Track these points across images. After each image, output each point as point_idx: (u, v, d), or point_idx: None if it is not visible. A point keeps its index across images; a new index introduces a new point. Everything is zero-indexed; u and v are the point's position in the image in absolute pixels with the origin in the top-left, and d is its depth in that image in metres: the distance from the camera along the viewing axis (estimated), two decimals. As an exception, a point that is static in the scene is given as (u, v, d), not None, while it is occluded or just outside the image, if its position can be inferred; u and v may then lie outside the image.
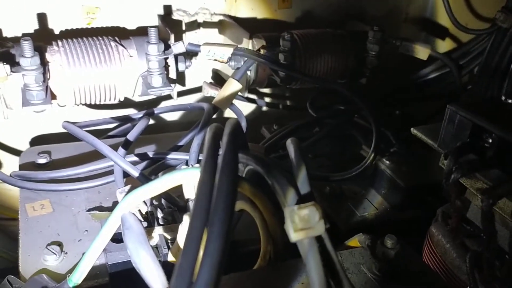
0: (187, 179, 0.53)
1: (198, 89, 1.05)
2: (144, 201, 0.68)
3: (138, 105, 1.02)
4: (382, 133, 0.88)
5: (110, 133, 0.92)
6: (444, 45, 1.14)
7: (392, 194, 0.82)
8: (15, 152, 0.96)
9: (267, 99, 1.07)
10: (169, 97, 1.01)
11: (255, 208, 0.56)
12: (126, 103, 1.00)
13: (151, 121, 1.01)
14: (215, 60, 0.84)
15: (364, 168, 0.80)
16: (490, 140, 0.48)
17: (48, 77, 0.79)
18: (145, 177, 0.71)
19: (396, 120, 0.99)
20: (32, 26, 0.88)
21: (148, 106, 0.98)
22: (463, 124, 0.52)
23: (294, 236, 0.43)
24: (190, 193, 0.70)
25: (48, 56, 0.80)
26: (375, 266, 0.57)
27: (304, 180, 0.47)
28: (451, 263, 0.60)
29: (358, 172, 0.81)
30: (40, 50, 0.78)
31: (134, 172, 0.71)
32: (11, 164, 0.91)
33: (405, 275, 0.56)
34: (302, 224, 0.43)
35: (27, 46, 0.73)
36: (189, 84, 1.05)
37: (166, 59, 0.85)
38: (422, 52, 0.97)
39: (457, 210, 0.55)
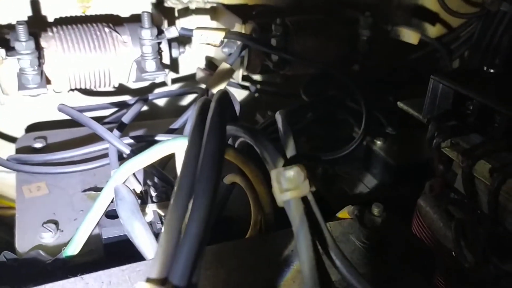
0: (177, 148, 0.54)
1: (192, 76, 1.06)
2: (138, 180, 0.70)
3: (132, 92, 1.03)
4: (374, 115, 0.89)
5: (105, 120, 0.93)
6: (435, 30, 1.15)
7: (384, 173, 0.83)
8: (12, 139, 0.97)
9: (261, 86, 1.08)
10: (163, 84, 1.02)
11: (245, 178, 0.57)
12: (121, 90, 1.02)
13: (146, 108, 1.03)
14: (208, 44, 0.85)
15: (355, 147, 0.82)
16: (471, 107, 0.50)
17: (43, 61, 0.80)
18: (135, 153, 0.72)
19: (388, 104, 1.00)
20: (27, 13, 0.89)
21: (142, 93, 0.99)
22: (445, 93, 0.53)
23: (280, 197, 0.44)
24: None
25: (42, 42, 0.82)
26: (363, 234, 0.58)
27: (291, 145, 0.49)
28: (438, 233, 0.62)
29: (349, 152, 0.82)
30: (35, 36, 0.79)
31: (127, 150, 0.72)
32: (8, 150, 0.92)
33: (392, 243, 0.57)
34: (288, 184, 0.44)
35: (22, 30, 0.74)
36: (183, 71, 1.07)
37: (159, 44, 0.87)
38: (412, 36, 0.99)
39: (440, 174, 0.56)
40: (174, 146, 0.53)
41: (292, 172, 0.44)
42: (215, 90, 0.91)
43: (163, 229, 0.38)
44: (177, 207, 0.39)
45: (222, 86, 0.92)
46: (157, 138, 0.82)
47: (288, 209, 0.45)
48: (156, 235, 0.60)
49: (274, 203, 0.59)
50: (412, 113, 0.59)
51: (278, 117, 0.54)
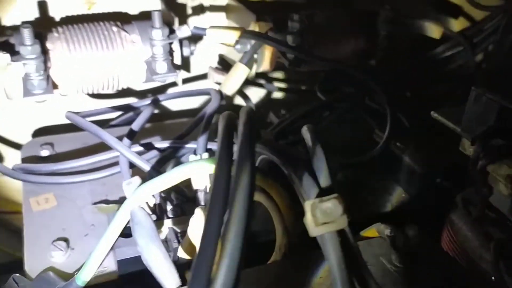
0: (198, 171, 0.50)
1: (204, 76, 1.01)
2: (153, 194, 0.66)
3: (142, 94, 0.99)
4: (395, 116, 0.85)
5: (113, 122, 0.89)
6: (458, 24, 1.10)
7: (407, 180, 0.79)
8: (17, 145, 0.93)
9: (275, 84, 1.04)
10: (174, 85, 0.98)
11: (270, 200, 0.54)
12: (130, 91, 0.97)
13: (156, 110, 0.99)
14: (222, 43, 0.80)
15: (378, 153, 0.78)
16: (520, 124, 0.46)
17: (49, 65, 0.76)
18: (156, 170, 0.68)
19: (408, 102, 0.96)
20: (32, 13, 0.85)
21: (152, 94, 0.95)
22: (489, 107, 0.49)
23: (315, 231, 0.41)
24: (199, 183, 0.67)
25: (48, 43, 0.77)
26: (395, 257, 0.54)
27: (324, 171, 0.45)
28: (473, 252, 0.58)
29: (372, 157, 0.78)
30: (40, 37, 0.75)
31: (143, 164, 0.68)
32: (13, 157, 0.89)
33: (426, 266, 0.54)
34: (324, 218, 0.40)
35: (27, 33, 0.70)
36: (195, 71, 1.02)
37: (170, 44, 0.82)
38: (435, 30, 0.94)
39: (483, 197, 0.52)
40: (196, 169, 0.49)
41: (330, 205, 0.40)
42: (228, 91, 0.87)
43: (191, 273, 0.34)
44: (207, 247, 0.35)
45: (236, 87, 0.88)
46: (168, 145, 0.78)
47: (323, 243, 0.41)
48: (173, 256, 0.57)
49: (299, 226, 0.56)
50: (449, 125, 0.55)
51: (306, 134, 0.49)
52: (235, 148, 0.40)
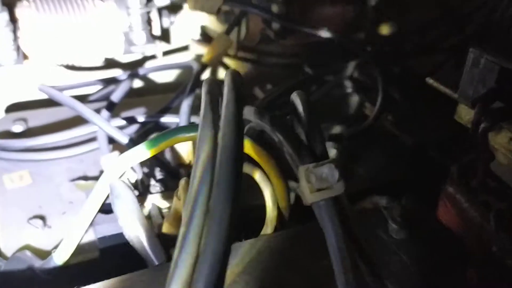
0: (180, 140, 0.47)
1: (185, 48, 0.97)
2: (133, 168, 0.62)
3: (121, 67, 0.94)
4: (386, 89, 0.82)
5: (92, 98, 0.85)
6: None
7: (398, 152, 0.77)
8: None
9: (260, 57, 1.00)
10: (153, 57, 0.94)
11: (259, 170, 0.50)
12: (109, 65, 0.92)
13: (137, 84, 0.94)
14: (203, 11, 0.76)
15: (369, 125, 0.75)
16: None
17: (18, 35, 0.71)
18: (135, 142, 0.64)
19: (398, 74, 0.93)
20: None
21: (132, 68, 0.90)
22: (489, 69, 0.47)
23: (310, 197, 0.38)
24: (183, 157, 0.64)
25: (17, 11, 0.72)
26: (392, 228, 0.52)
27: (318, 136, 0.41)
28: (472, 223, 0.56)
29: (362, 130, 0.76)
30: (9, 6, 0.70)
31: (121, 137, 0.64)
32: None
33: (423, 237, 0.52)
34: (320, 184, 0.38)
35: (-7, 0, 0.65)
36: (175, 43, 0.98)
37: (148, 13, 0.77)
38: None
39: (485, 164, 0.50)
40: (180, 138, 0.45)
41: (325, 170, 0.37)
42: (211, 63, 0.83)
43: (177, 244, 0.31)
44: (194, 218, 0.31)
45: (219, 59, 0.84)
46: (151, 119, 0.74)
47: (319, 210, 0.38)
48: (157, 233, 0.54)
49: (289, 197, 0.53)
50: (445, 91, 0.52)
51: (297, 99, 0.46)
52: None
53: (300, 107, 0.45)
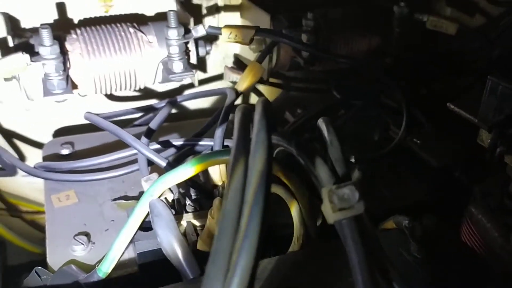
0: (214, 163, 0.51)
1: (220, 76, 1.03)
2: (170, 189, 0.67)
3: (160, 95, 1.00)
4: (411, 112, 0.85)
5: (134, 123, 0.91)
6: (474, 20, 1.09)
7: (424, 174, 0.79)
8: (38, 145, 0.95)
9: (290, 83, 1.04)
10: (191, 86, 0.99)
11: (287, 191, 0.54)
12: (148, 93, 0.99)
13: (174, 110, 1.00)
14: (237, 42, 0.81)
15: (394, 148, 0.77)
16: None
17: (68, 66, 0.78)
18: (171, 165, 0.69)
19: (423, 98, 0.95)
20: (51, 16, 0.87)
21: (170, 96, 0.96)
22: (506, 96, 0.49)
23: (332, 217, 0.41)
24: (217, 178, 0.68)
25: (67, 45, 0.79)
26: (414, 248, 0.54)
27: (340, 159, 0.45)
28: (493, 244, 0.57)
29: (388, 152, 0.78)
30: (59, 39, 0.77)
31: (159, 161, 0.69)
32: (35, 156, 0.90)
33: (445, 256, 0.54)
34: (341, 204, 0.40)
35: (46, 34, 0.72)
36: (211, 71, 1.03)
37: (186, 43, 0.83)
38: (450, 26, 0.93)
39: (502, 186, 0.52)
40: (213, 161, 0.49)
41: (347, 191, 0.41)
42: (244, 90, 0.88)
43: (209, 258, 0.35)
44: (226, 235, 0.35)
45: (251, 85, 0.88)
46: (186, 142, 0.79)
47: (341, 229, 0.41)
48: (192, 249, 0.58)
49: (316, 217, 0.56)
50: (466, 116, 0.55)
51: (322, 125, 0.50)
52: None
53: (325, 132, 0.49)
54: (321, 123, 0.50)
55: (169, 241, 0.50)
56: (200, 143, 0.80)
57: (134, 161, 0.77)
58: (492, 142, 0.48)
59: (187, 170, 0.50)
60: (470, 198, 0.65)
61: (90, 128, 0.90)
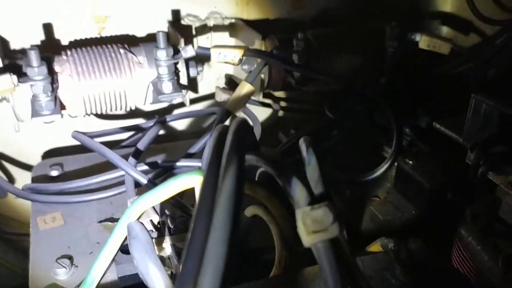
0: (194, 183, 0.50)
1: (211, 96, 1.02)
2: (156, 211, 0.66)
3: (149, 114, 1.00)
4: (404, 132, 0.84)
5: (122, 144, 0.90)
6: (468, 40, 1.09)
7: (416, 195, 0.77)
8: (28, 167, 0.95)
9: (283, 103, 1.04)
10: (181, 105, 0.99)
11: (268, 213, 0.53)
12: (138, 112, 0.99)
13: (163, 130, 0.99)
14: (227, 62, 0.81)
15: (386, 169, 0.76)
16: (521, 130, 0.44)
17: (56, 86, 0.78)
18: (154, 184, 0.68)
19: (417, 118, 0.94)
20: (40, 37, 0.87)
21: (160, 115, 0.96)
22: (490, 114, 0.48)
23: (307, 239, 0.39)
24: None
25: (56, 66, 0.79)
26: (400, 271, 0.53)
27: (317, 179, 0.44)
28: (483, 266, 0.56)
29: (380, 174, 0.77)
30: (48, 60, 0.77)
31: (143, 180, 0.69)
32: (24, 178, 0.90)
33: (432, 280, 0.52)
34: (315, 226, 0.39)
35: (33, 55, 0.72)
36: (202, 91, 1.03)
37: (176, 64, 0.83)
38: (443, 46, 0.93)
39: (486, 207, 0.50)
40: (193, 180, 0.48)
41: (320, 213, 0.39)
42: (234, 110, 0.87)
43: (176, 281, 0.34)
44: (191, 258, 0.34)
45: (242, 105, 0.88)
46: (174, 164, 0.78)
47: (316, 252, 0.40)
48: (173, 275, 0.57)
49: (300, 242, 0.55)
50: (450, 135, 0.54)
51: (302, 145, 0.49)
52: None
53: (304, 152, 0.48)
54: (301, 143, 0.49)
55: (145, 264, 0.49)
56: (189, 164, 0.79)
57: (122, 183, 0.76)
58: (474, 161, 0.47)
59: (164, 191, 0.49)
60: (461, 220, 0.63)
61: (80, 149, 0.89)
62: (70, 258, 0.65)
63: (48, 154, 0.95)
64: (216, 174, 0.39)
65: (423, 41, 0.94)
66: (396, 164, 0.81)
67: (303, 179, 0.45)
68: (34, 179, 0.82)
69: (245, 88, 0.84)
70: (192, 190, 0.58)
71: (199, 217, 0.36)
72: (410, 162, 0.79)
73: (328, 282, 0.39)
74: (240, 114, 0.89)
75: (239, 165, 0.39)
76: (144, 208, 0.51)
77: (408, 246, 0.53)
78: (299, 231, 0.41)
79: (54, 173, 0.82)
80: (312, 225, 0.39)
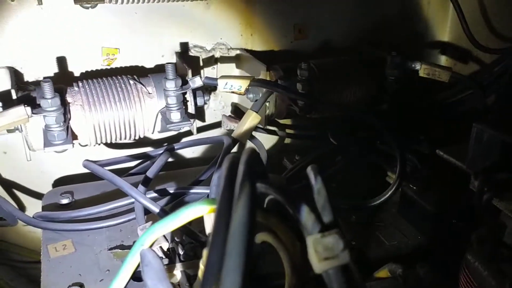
0: (205, 211, 0.51)
1: (218, 124, 1.05)
2: (166, 238, 0.67)
3: (158, 143, 1.02)
4: (407, 158, 0.85)
5: (131, 171, 0.92)
6: (467, 68, 1.12)
7: (420, 220, 0.79)
8: (38, 195, 0.96)
9: (288, 130, 1.06)
10: (189, 133, 1.01)
11: (277, 240, 0.54)
12: (147, 140, 1.01)
13: (172, 158, 1.01)
14: (233, 92, 0.83)
15: (390, 195, 0.78)
16: (522, 158, 0.46)
17: (69, 117, 0.80)
18: (165, 213, 0.70)
19: (421, 145, 0.96)
20: (53, 69, 0.90)
21: (168, 143, 0.98)
22: (491, 143, 0.50)
23: (318, 266, 0.41)
24: (211, 227, 0.68)
25: (68, 97, 0.82)
26: (408, 297, 0.54)
27: (326, 207, 0.45)
28: (490, 291, 0.57)
29: (384, 199, 0.78)
30: (61, 91, 0.80)
31: (154, 208, 0.70)
32: (35, 206, 0.91)
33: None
34: (326, 253, 0.41)
35: (47, 87, 0.74)
36: (209, 119, 1.06)
37: (184, 94, 0.86)
38: (443, 74, 0.95)
39: (493, 233, 0.52)
40: (204, 209, 0.50)
41: (331, 240, 0.41)
42: (241, 138, 0.89)
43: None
44: (208, 285, 0.36)
45: (248, 133, 0.90)
46: (182, 190, 0.80)
47: (327, 278, 0.41)
48: (185, 300, 0.58)
49: (309, 266, 0.56)
50: (454, 163, 0.55)
51: (310, 173, 0.51)
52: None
53: (312, 180, 0.49)
54: (309, 171, 0.51)
55: (158, 291, 0.50)
56: (197, 191, 0.80)
57: (131, 210, 0.77)
58: (478, 188, 0.49)
59: (177, 219, 0.50)
60: (467, 245, 0.64)
61: (89, 177, 0.91)
62: (81, 285, 0.66)
63: (59, 183, 0.97)
64: (230, 204, 0.40)
65: (423, 69, 0.97)
66: (400, 189, 0.82)
67: (312, 207, 0.46)
68: (45, 207, 0.83)
69: (251, 117, 0.87)
70: (201, 218, 0.60)
71: (214, 245, 0.37)
72: (414, 187, 0.81)
73: (340, 308, 0.40)
74: (247, 142, 0.91)
75: (251, 194, 0.40)
76: (157, 236, 0.53)
77: (416, 272, 0.54)
78: (310, 258, 0.42)
79: (65, 201, 0.84)
80: (324, 252, 0.40)
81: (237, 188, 0.41)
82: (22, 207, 0.97)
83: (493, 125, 0.50)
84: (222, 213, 0.40)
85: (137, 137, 0.88)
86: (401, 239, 0.77)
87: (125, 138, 0.86)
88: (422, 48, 1.17)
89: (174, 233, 0.71)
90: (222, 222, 0.39)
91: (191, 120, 0.87)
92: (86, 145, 0.85)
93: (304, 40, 1.07)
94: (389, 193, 0.78)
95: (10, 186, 0.95)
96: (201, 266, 0.56)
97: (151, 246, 0.55)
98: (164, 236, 0.68)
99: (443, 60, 1.17)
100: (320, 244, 0.41)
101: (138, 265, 0.55)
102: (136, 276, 0.63)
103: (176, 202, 0.78)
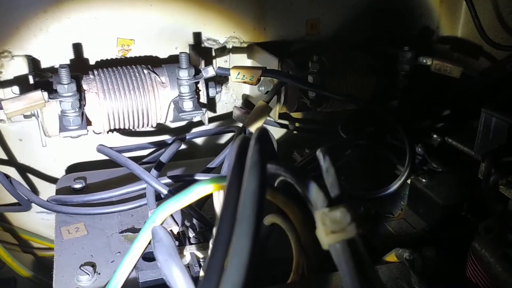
0: (215, 188, 0.52)
1: (229, 115, 1.06)
2: (176, 221, 0.68)
3: (170, 132, 1.03)
4: (417, 152, 0.86)
5: (143, 160, 0.93)
6: (479, 64, 1.12)
7: (430, 213, 0.79)
8: (52, 180, 0.98)
9: (298, 124, 1.07)
10: (200, 124, 1.03)
11: (286, 220, 0.55)
12: (159, 129, 1.02)
13: (183, 147, 1.03)
14: (245, 82, 0.84)
15: (399, 185, 0.78)
16: (530, 141, 0.46)
17: (84, 104, 0.82)
18: (172, 193, 0.71)
19: (432, 139, 0.96)
20: (70, 57, 0.92)
21: (180, 133, 0.99)
22: (499, 127, 0.50)
23: (326, 239, 0.42)
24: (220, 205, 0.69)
25: (84, 84, 0.83)
26: (415, 280, 0.54)
27: (334, 183, 0.46)
28: (496, 278, 0.57)
29: (393, 190, 0.79)
30: (77, 79, 0.81)
31: (166, 192, 0.71)
32: (49, 191, 0.93)
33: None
34: (334, 226, 0.41)
35: (64, 73, 0.76)
36: (220, 110, 1.07)
37: (196, 83, 0.87)
38: (454, 70, 0.96)
39: (498, 215, 0.52)
40: (213, 187, 0.51)
41: (338, 213, 0.42)
42: (252, 129, 0.90)
43: (202, 276, 0.36)
44: (217, 252, 0.36)
45: (259, 125, 0.91)
46: (194, 177, 0.81)
47: (334, 252, 0.42)
48: (194, 278, 0.59)
49: (317, 246, 0.56)
50: (463, 149, 0.56)
51: (320, 154, 0.52)
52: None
53: (321, 161, 0.50)
54: (318, 153, 0.52)
55: (168, 266, 0.51)
56: (208, 178, 0.81)
57: (143, 196, 0.79)
58: (485, 170, 0.49)
59: (188, 196, 0.51)
60: (475, 234, 0.64)
61: (102, 164, 0.93)
62: (93, 265, 0.68)
63: (72, 169, 0.98)
64: (240, 178, 0.41)
65: (434, 65, 0.97)
66: (409, 182, 0.82)
67: (320, 184, 0.47)
68: (59, 191, 0.85)
69: (262, 107, 0.88)
70: (211, 202, 0.61)
71: (225, 213, 0.38)
72: (423, 180, 0.81)
73: (346, 281, 0.41)
74: (257, 132, 0.91)
75: (262, 168, 0.41)
76: (169, 213, 0.54)
77: (423, 255, 0.54)
78: (317, 232, 0.43)
79: (78, 186, 0.86)
80: (331, 226, 0.41)
81: (247, 162, 0.42)
82: (35, 192, 0.99)
83: (501, 110, 0.51)
84: (232, 185, 0.41)
85: (149, 126, 0.89)
86: (409, 230, 0.78)
87: (138, 127, 0.88)
88: (433, 44, 1.17)
89: (184, 217, 0.73)
90: (232, 194, 0.40)
91: (203, 109, 0.88)
92: (100, 132, 0.87)
93: (317, 35, 1.08)
94: (398, 183, 0.78)
95: (25, 170, 0.97)
96: (211, 246, 0.58)
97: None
98: (174, 220, 0.69)
99: (454, 56, 1.17)
100: (328, 218, 0.42)
101: (149, 243, 0.56)
102: (146, 257, 0.64)
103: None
